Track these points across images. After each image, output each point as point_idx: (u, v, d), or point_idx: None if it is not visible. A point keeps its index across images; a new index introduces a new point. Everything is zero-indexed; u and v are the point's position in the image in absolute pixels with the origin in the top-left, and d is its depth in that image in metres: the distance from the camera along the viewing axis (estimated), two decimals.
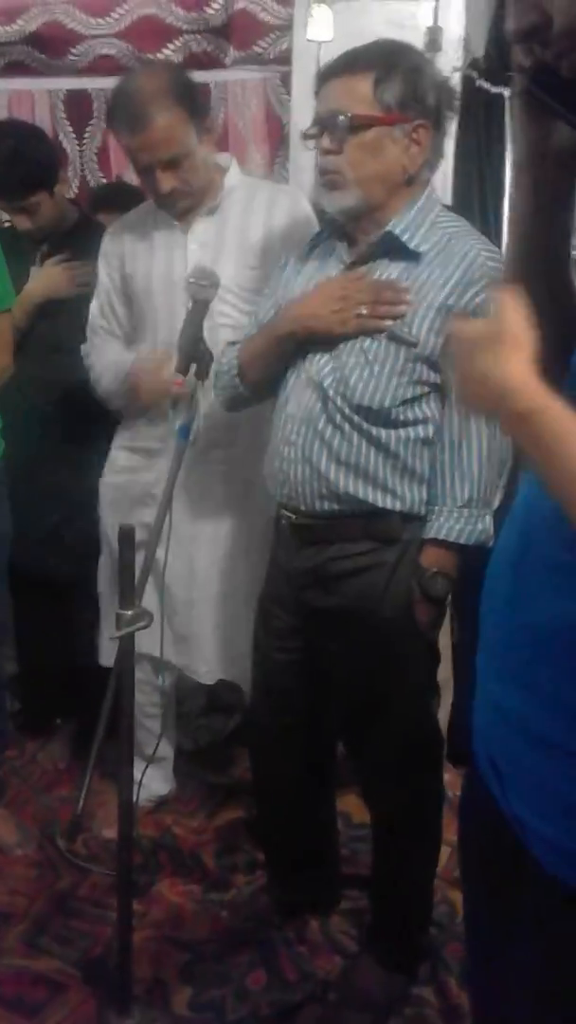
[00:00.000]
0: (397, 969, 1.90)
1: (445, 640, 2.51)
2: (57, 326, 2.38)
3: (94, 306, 2.21)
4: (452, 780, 2.04)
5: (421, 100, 1.59)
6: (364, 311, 1.61)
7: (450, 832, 1.94)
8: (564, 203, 0.97)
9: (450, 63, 3.06)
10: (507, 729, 0.98)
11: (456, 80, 2.98)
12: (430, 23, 3.10)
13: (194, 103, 1.96)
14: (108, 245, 2.18)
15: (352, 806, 2.25)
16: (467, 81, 3.07)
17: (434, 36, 3.10)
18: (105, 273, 2.18)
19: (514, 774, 0.98)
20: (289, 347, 1.72)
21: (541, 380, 0.85)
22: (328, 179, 1.64)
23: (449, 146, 2.89)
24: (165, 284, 2.06)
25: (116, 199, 2.92)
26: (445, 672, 2.52)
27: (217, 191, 2.05)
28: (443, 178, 2.90)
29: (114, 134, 2.03)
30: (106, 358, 2.17)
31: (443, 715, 2.49)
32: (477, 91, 3.04)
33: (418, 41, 3.01)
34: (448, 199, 2.84)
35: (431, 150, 1.64)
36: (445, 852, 1.94)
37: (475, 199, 3.02)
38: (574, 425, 0.82)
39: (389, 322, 1.60)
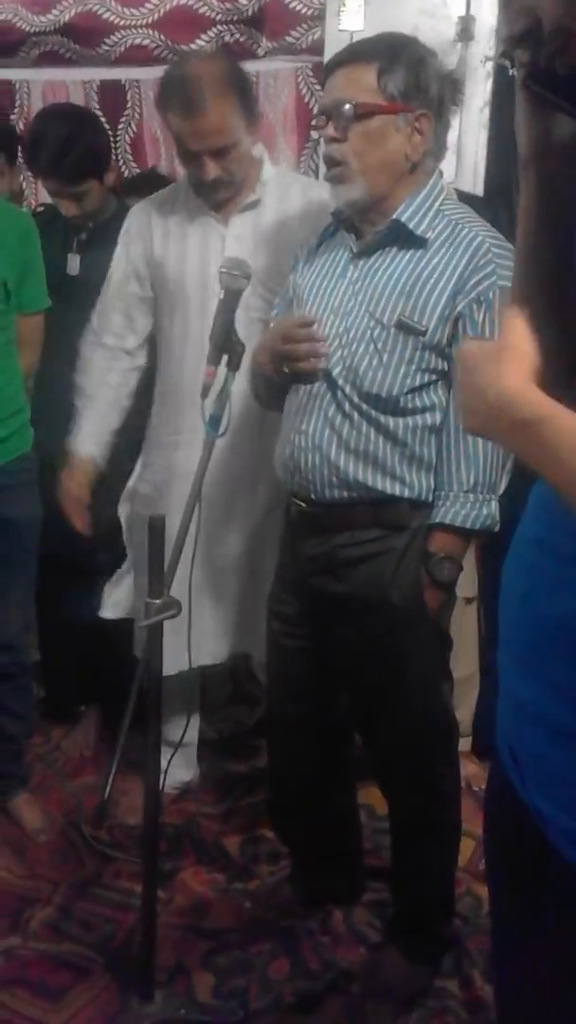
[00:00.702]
0: (421, 961, 1.90)
1: (472, 632, 2.51)
2: (73, 311, 2.37)
3: (106, 290, 2.20)
4: (478, 774, 2.04)
5: (424, 90, 1.62)
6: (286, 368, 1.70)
7: (475, 825, 1.95)
8: (569, 199, 0.96)
9: (482, 52, 3.03)
10: (526, 722, 0.98)
11: (488, 69, 2.96)
12: (462, 12, 3.07)
13: (246, 93, 1.98)
14: (135, 226, 2.17)
15: (375, 799, 2.24)
16: (500, 70, 3.04)
17: (466, 25, 3.06)
18: (126, 255, 2.17)
19: (534, 766, 0.98)
20: (274, 379, 1.78)
21: (550, 386, 0.85)
22: (334, 172, 1.67)
23: (482, 136, 2.88)
24: (199, 275, 2.07)
25: (147, 186, 2.92)
26: (472, 666, 2.52)
27: (255, 184, 2.06)
28: (474, 167, 2.88)
29: (165, 118, 2.02)
30: (86, 386, 2.23)
31: (469, 709, 2.49)
32: (510, 80, 3.01)
33: (450, 30, 2.99)
34: (480, 188, 2.82)
35: (433, 140, 1.67)
36: (470, 845, 1.95)
37: (509, 187, 2.99)
38: None
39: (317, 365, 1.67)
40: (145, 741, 1.71)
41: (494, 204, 2.55)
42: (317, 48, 3.04)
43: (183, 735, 2.19)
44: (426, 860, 1.88)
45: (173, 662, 1.91)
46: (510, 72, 2.77)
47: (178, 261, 2.10)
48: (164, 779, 2.00)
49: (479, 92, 2.87)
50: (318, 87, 3.13)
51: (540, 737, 0.96)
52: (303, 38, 3.06)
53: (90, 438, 2.24)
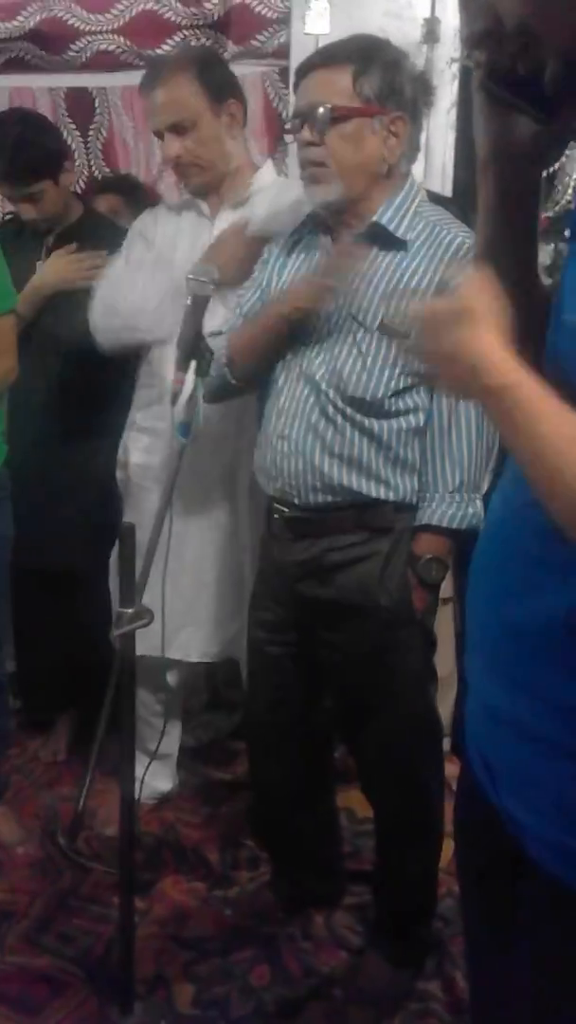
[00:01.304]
0: (402, 964, 1.89)
1: (448, 632, 2.50)
2: (63, 320, 2.36)
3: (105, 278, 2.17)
4: (456, 773, 2.03)
5: (399, 93, 1.62)
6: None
7: (451, 824, 1.95)
8: (527, 199, 0.96)
9: (448, 54, 3.04)
10: (497, 727, 0.98)
11: (454, 71, 2.97)
12: (427, 14, 3.08)
13: (212, 78, 1.99)
14: (141, 223, 2.19)
15: (355, 802, 2.24)
16: (465, 72, 3.05)
17: (431, 27, 3.07)
18: (127, 255, 2.17)
19: (506, 772, 0.98)
20: (280, 333, 1.72)
21: (516, 357, 0.85)
22: (310, 172, 1.66)
23: (450, 137, 2.89)
24: (185, 269, 2.05)
25: (119, 186, 2.93)
26: (449, 665, 2.51)
27: (246, 185, 2.06)
28: (442, 168, 2.89)
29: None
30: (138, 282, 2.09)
31: (447, 708, 2.48)
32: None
33: (415, 32, 3.00)
34: (449, 189, 2.83)
35: (408, 143, 1.67)
36: (450, 845, 1.93)
37: (477, 188, 3.00)
38: (547, 402, 0.81)
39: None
40: (120, 749, 1.70)
41: (462, 204, 2.56)
42: (283, 52, 3.04)
43: (158, 746, 2.19)
44: (410, 862, 1.87)
45: (146, 646, 1.89)
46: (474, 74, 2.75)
47: (168, 255, 2.10)
48: (142, 789, 1.98)
49: (446, 94, 2.87)
50: (285, 91, 3.13)
51: (513, 742, 0.96)
52: (268, 42, 3.06)
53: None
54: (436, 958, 1.94)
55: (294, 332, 1.71)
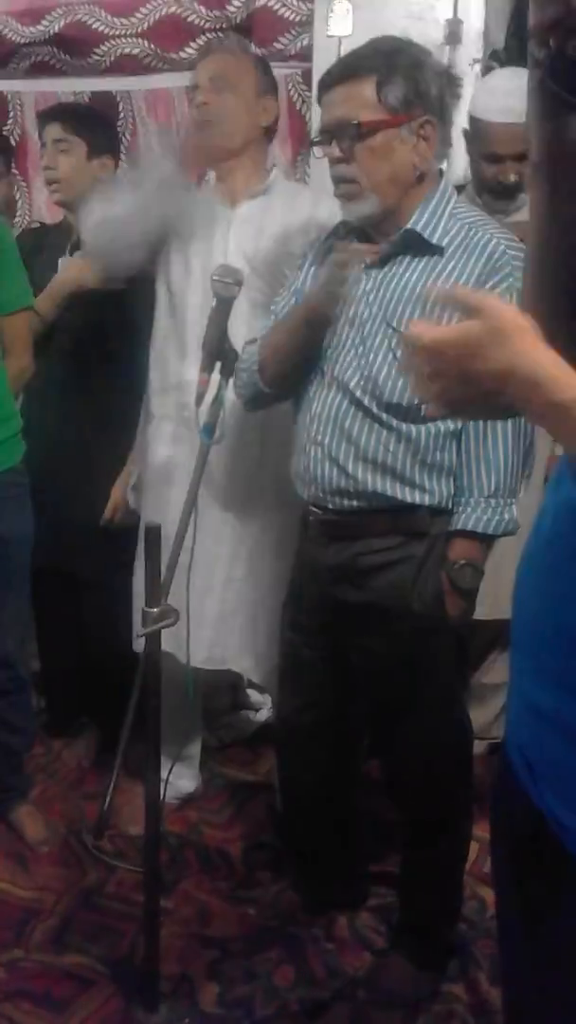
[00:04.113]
0: (427, 966, 1.89)
1: None
2: (84, 319, 2.38)
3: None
4: (480, 773, 2.02)
5: (424, 96, 1.60)
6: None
7: (478, 827, 1.94)
8: None
9: (470, 55, 3.04)
10: (542, 727, 0.97)
11: (477, 71, 2.96)
12: (449, 15, 3.08)
13: (264, 70, 2.12)
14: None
15: (377, 802, 2.23)
16: (488, 72, 3.04)
17: (453, 28, 3.07)
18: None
19: (549, 771, 0.97)
20: (303, 336, 1.72)
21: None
22: (344, 189, 1.65)
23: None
24: (204, 260, 2.06)
25: None
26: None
27: (264, 177, 2.10)
28: (464, 169, 2.88)
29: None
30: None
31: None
32: None
33: (438, 34, 2.99)
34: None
35: (439, 142, 1.65)
36: (474, 848, 1.93)
37: None
38: None
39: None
40: (145, 750, 1.71)
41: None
42: (305, 54, 3.04)
43: (182, 745, 2.19)
44: (436, 866, 1.87)
45: (172, 643, 1.90)
46: None
47: (185, 254, 2.11)
48: (166, 789, 1.99)
49: (467, 95, 2.87)
50: (308, 92, 3.14)
51: (560, 745, 0.95)
52: (291, 44, 3.07)
53: None
54: (460, 960, 1.93)
55: (317, 336, 1.71)
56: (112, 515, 2.38)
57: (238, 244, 2.05)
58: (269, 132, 2.15)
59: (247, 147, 2.08)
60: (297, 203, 2.08)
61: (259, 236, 2.04)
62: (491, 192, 2.30)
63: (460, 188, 2.29)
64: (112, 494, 2.37)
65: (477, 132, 2.27)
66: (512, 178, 2.25)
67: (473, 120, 2.27)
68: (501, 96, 2.18)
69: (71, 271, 2.37)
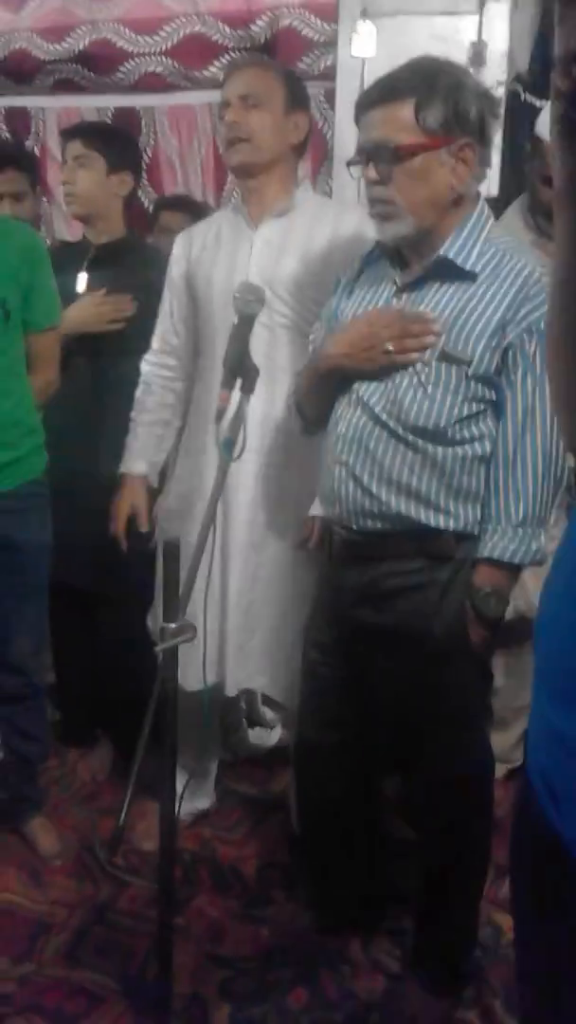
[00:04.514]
0: (441, 993, 1.87)
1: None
2: (105, 336, 2.40)
3: (161, 313, 2.26)
4: (497, 797, 2.01)
5: (463, 118, 1.58)
6: (391, 347, 1.62)
7: (496, 852, 1.92)
8: None
9: (494, 77, 3.05)
10: (564, 753, 0.97)
11: (501, 94, 2.97)
12: (474, 38, 3.09)
13: (293, 85, 2.10)
14: (177, 247, 2.23)
15: (392, 824, 2.22)
16: (512, 95, 3.06)
17: (478, 50, 3.08)
18: (172, 274, 2.22)
19: (571, 797, 0.96)
20: (331, 384, 1.74)
21: None
22: (379, 211, 1.64)
23: (495, 161, 2.89)
24: (227, 282, 2.06)
25: (180, 203, 2.99)
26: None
27: (290, 196, 2.09)
28: (486, 192, 2.89)
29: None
30: (146, 404, 2.29)
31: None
32: (522, 105, 3.03)
33: (462, 55, 3.01)
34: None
35: (478, 164, 1.63)
36: (489, 873, 1.92)
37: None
38: None
39: (415, 355, 1.61)
40: (161, 765, 1.70)
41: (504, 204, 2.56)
42: (329, 74, 3.07)
43: (199, 762, 2.18)
44: (453, 894, 1.85)
45: (191, 680, 1.90)
46: (522, 97, 2.78)
47: (208, 270, 2.13)
48: (180, 805, 1.99)
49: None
50: (330, 111, 3.16)
51: None
52: (315, 64, 3.10)
53: (144, 456, 2.31)
54: (475, 987, 1.91)
55: (346, 378, 1.72)
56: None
57: (259, 266, 2.05)
58: (299, 149, 2.14)
59: (275, 164, 2.08)
60: (320, 223, 2.07)
61: (280, 258, 2.04)
62: (545, 215, 2.29)
63: (491, 200, 2.28)
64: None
65: (538, 153, 2.23)
66: None
67: (536, 140, 2.23)
68: None
69: (74, 317, 2.37)
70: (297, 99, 2.09)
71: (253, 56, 2.16)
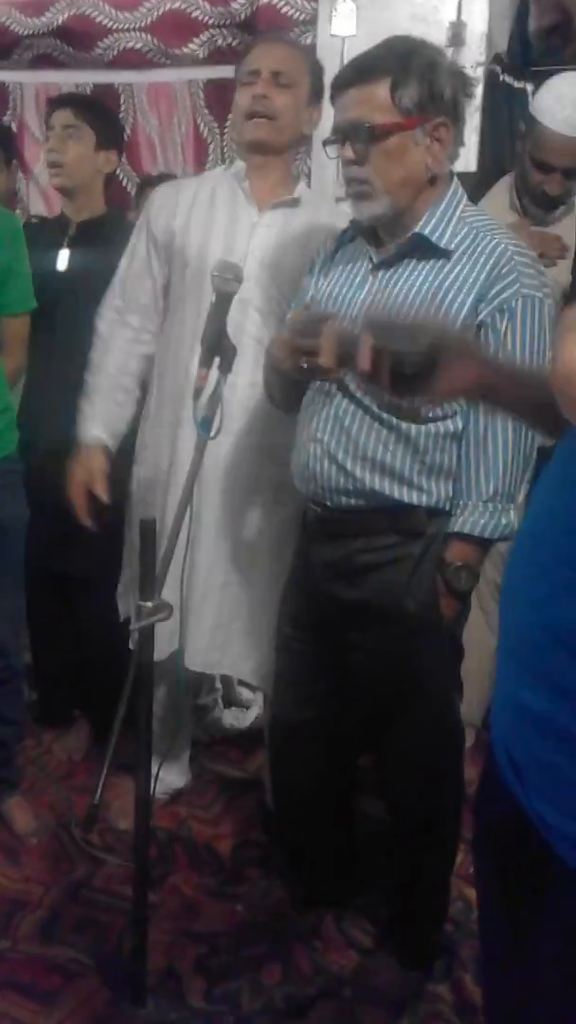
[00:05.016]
0: (412, 966, 1.90)
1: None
2: (85, 314, 2.37)
3: (126, 264, 2.16)
4: (469, 776, 2.03)
5: (438, 97, 1.59)
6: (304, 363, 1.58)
7: (465, 829, 1.95)
8: None
9: (473, 58, 3.05)
10: (529, 728, 0.98)
11: (480, 74, 2.97)
12: (453, 18, 3.09)
13: (318, 75, 2.04)
14: (161, 197, 2.14)
15: (365, 801, 2.24)
16: (491, 76, 3.06)
17: (457, 31, 3.08)
18: (153, 227, 2.12)
19: (537, 773, 0.98)
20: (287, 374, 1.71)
21: None
22: (356, 190, 1.65)
23: (473, 141, 2.89)
24: (223, 253, 1.99)
25: (161, 182, 2.96)
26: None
27: (291, 185, 2.08)
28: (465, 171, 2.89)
29: (247, 57, 2.05)
30: (104, 366, 2.17)
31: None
32: (500, 86, 3.03)
33: (441, 36, 3.01)
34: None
35: (452, 143, 1.64)
36: (460, 849, 1.94)
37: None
38: None
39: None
40: (136, 744, 1.71)
41: (479, 182, 2.55)
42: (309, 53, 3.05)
43: (172, 741, 2.19)
44: (425, 867, 1.87)
45: (163, 646, 1.90)
46: (500, 78, 2.80)
47: (202, 240, 2.06)
48: (155, 785, 1.99)
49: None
50: None
51: (546, 744, 0.96)
52: (295, 42, 3.07)
53: (102, 422, 2.16)
54: (445, 960, 1.94)
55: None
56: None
57: (261, 251, 2.02)
58: (305, 140, 2.13)
59: (287, 150, 2.06)
60: (320, 217, 2.05)
61: (280, 246, 2.02)
62: (532, 197, 2.28)
63: (469, 175, 2.27)
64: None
65: (533, 135, 2.22)
66: (557, 190, 2.23)
67: (533, 121, 2.22)
68: (569, 107, 2.15)
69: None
70: (317, 92, 2.04)
71: (287, 35, 2.11)
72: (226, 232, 2.05)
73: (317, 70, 2.06)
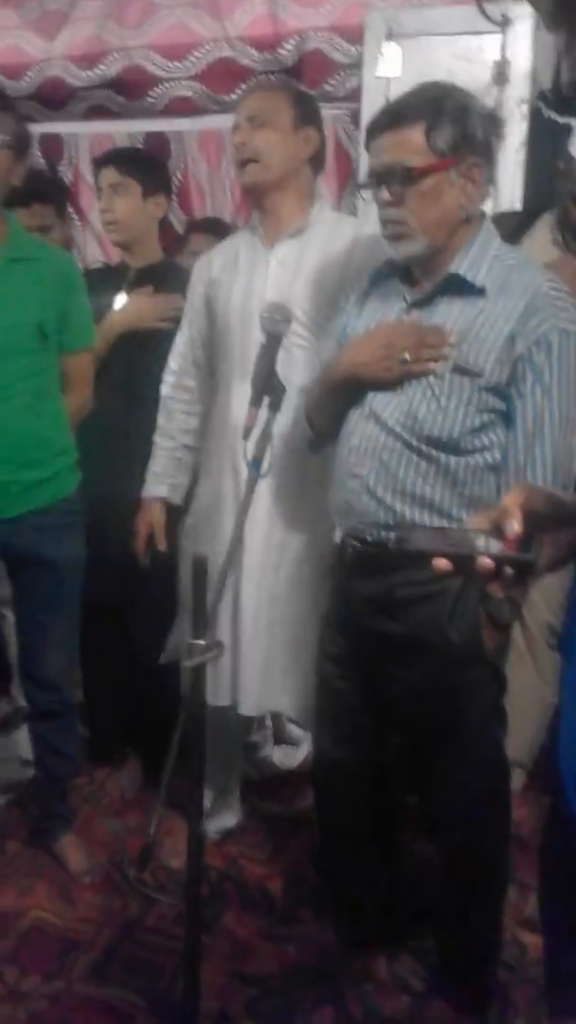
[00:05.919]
0: (466, 1011, 1.86)
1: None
2: (136, 354, 2.44)
3: (180, 334, 2.30)
4: (519, 816, 2.00)
5: (471, 139, 1.63)
6: (408, 357, 1.65)
7: (520, 870, 1.91)
8: None
9: (517, 95, 3.06)
10: None
11: (525, 112, 2.98)
12: (497, 57, 3.11)
13: (302, 102, 2.12)
14: (197, 270, 2.27)
15: (413, 840, 2.21)
16: (535, 112, 3.07)
17: (502, 69, 3.10)
18: (192, 297, 2.26)
19: None
20: (345, 394, 1.76)
21: None
22: (393, 231, 1.68)
23: (518, 176, 2.90)
24: (243, 302, 2.10)
25: (210, 226, 3.04)
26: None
27: (305, 215, 2.11)
28: (510, 208, 2.89)
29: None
30: (168, 429, 2.34)
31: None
32: (546, 122, 3.04)
33: (485, 74, 3.02)
34: None
35: (484, 183, 1.68)
36: (513, 891, 1.90)
37: None
38: None
39: (433, 365, 1.64)
40: (188, 782, 1.71)
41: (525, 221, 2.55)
42: (354, 95, 3.09)
43: (225, 780, 2.19)
44: (474, 908, 1.84)
45: (220, 696, 1.91)
46: (545, 115, 2.80)
47: (227, 291, 2.15)
48: (207, 824, 1.99)
49: (515, 133, 2.90)
50: (355, 131, 3.19)
51: None
52: (341, 85, 3.12)
53: (165, 479, 2.35)
54: (499, 1007, 1.90)
55: (358, 388, 1.73)
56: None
57: (275, 287, 2.06)
58: (314, 163, 2.16)
59: (287, 182, 2.09)
60: (335, 241, 2.08)
61: (295, 278, 2.06)
62: (572, 232, 2.30)
63: (508, 217, 2.27)
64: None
65: (572, 172, 2.26)
66: None
67: (570, 160, 2.26)
68: None
69: (127, 312, 2.44)
70: (306, 115, 2.11)
71: (265, 80, 2.18)
72: (245, 276, 2.12)
73: (299, 96, 2.15)
